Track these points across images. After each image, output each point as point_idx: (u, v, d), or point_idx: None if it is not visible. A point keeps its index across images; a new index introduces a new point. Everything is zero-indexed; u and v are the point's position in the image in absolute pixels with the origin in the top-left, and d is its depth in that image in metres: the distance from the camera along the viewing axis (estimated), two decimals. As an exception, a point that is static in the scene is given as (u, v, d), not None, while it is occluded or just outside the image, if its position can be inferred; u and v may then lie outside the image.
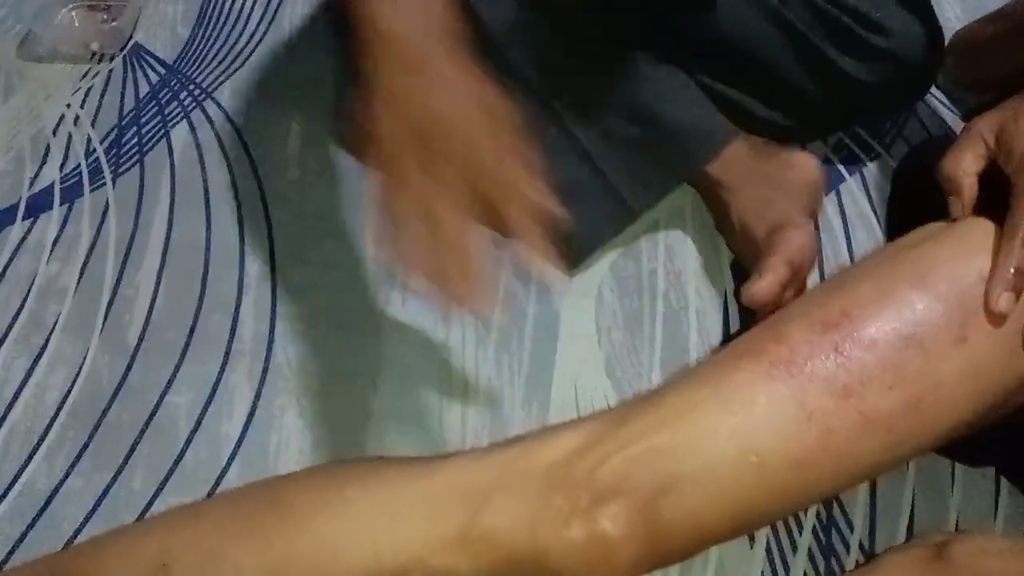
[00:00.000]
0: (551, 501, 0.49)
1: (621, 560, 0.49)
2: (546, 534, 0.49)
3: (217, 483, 0.68)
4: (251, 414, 0.72)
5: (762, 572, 0.63)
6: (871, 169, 0.85)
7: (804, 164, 0.76)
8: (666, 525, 0.49)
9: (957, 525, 0.64)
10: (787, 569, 0.63)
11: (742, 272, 0.76)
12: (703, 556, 0.63)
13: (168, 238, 0.83)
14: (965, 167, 0.54)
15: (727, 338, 0.75)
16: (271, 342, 0.76)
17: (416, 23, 0.54)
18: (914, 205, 0.64)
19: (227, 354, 0.75)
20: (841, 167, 0.85)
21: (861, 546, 0.64)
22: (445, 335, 0.76)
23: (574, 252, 0.77)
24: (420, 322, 0.77)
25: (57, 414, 0.72)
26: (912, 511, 0.65)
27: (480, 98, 0.54)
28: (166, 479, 0.68)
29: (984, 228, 0.52)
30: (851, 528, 0.65)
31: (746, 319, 0.75)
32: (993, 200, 0.53)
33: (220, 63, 0.99)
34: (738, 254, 0.77)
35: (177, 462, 0.69)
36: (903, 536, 0.64)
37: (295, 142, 0.89)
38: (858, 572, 0.57)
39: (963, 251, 0.52)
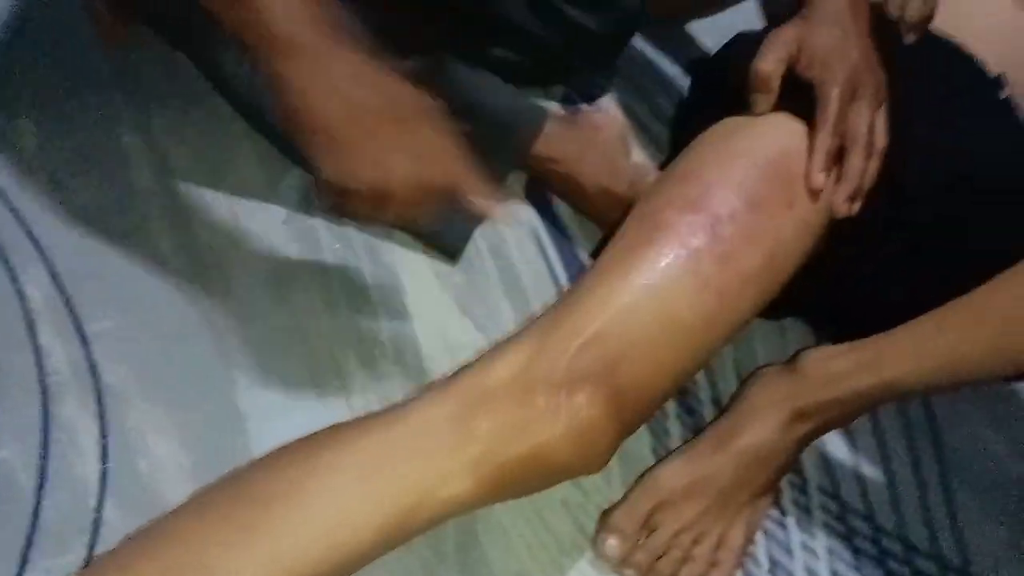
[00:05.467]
0: (533, 403, 0.52)
1: (605, 436, 0.54)
2: (538, 433, 0.52)
3: (95, 530, 0.58)
4: (104, 446, 0.61)
5: (651, 442, 0.72)
6: (606, 101, 0.97)
7: (604, 119, 0.85)
8: (628, 396, 0.55)
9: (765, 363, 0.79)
10: (667, 432, 0.73)
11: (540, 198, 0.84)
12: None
13: None
14: (772, 69, 0.66)
15: (545, 258, 0.82)
16: (92, 364, 0.65)
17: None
18: (705, 111, 0.76)
19: (43, 391, 0.63)
20: (581, 104, 0.96)
21: (711, 399, 0.76)
22: (290, 312, 0.72)
23: (450, 248, 0.78)
24: (257, 304, 0.72)
25: None
26: (733, 361, 0.79)
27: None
28: (28, 546, 0.56)
29: (786, 115, 0.64)
30: (699, 387, 0.76)
31: (556, 236, 0.83)
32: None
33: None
34: (598, 218, 0.82)
35: (33, 524, 0.57)
36: (735, 385, 0.77)
37: (30, 142, 0.76)
38: (731, 410, 0.68)
39: (777, 133, 0.64)
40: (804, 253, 0.63)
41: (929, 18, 0.78)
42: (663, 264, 0.57)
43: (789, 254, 0.62)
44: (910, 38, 0.78)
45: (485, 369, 0.55)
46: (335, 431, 0.53)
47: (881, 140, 0.64)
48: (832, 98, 0.62)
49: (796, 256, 0.63)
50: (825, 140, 0.62)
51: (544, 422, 0.53)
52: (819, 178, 0.62)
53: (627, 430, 0.57)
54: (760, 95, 0.65)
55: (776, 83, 0.65)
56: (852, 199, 0.62)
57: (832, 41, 0.64)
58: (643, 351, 0.56)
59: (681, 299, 0.57)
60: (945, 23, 0.79)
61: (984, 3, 0.89)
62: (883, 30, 0.69)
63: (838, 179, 0.63)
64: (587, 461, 0.55)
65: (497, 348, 0.57)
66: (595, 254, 0.78)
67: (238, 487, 0.50)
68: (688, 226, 0.59)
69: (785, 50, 0.64)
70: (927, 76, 0.76)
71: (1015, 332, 0.58)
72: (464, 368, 0.56)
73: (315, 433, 0.54)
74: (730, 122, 0.67)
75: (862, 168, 0.63)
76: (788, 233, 0.61)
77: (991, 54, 0.81)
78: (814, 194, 0.62)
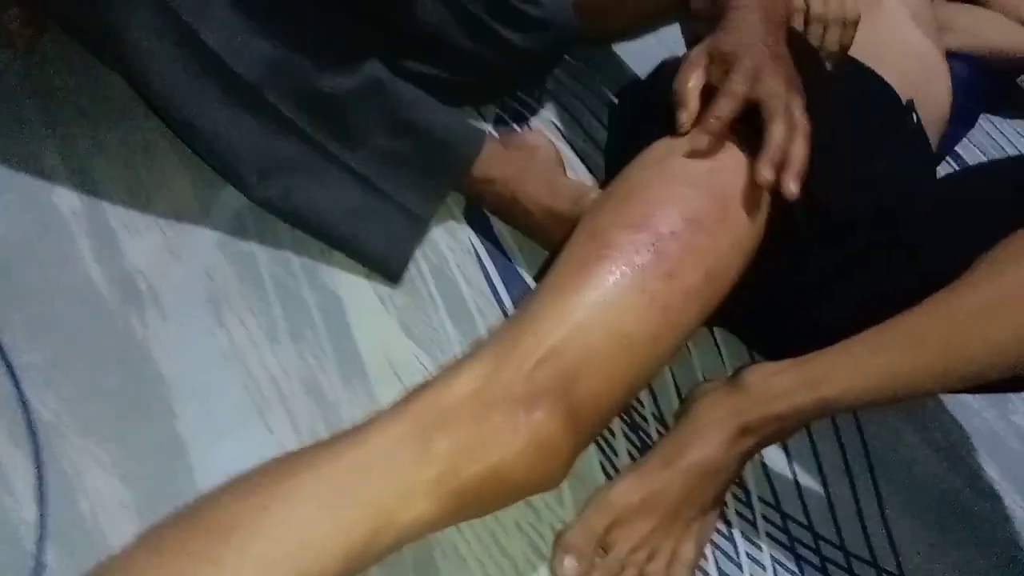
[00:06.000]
0: (491, 421, 0.53)
1: (564, 451, 0.55)
2: (497, 451, 0.52)
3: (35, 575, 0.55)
4: (40, 486, 0.58)
5: (599, 459, 0.73)
6: (535, 121, 0.99)
7: (538, 139, 0.86)
8: (583, 410, 0.56)
9: (704, 377, 0.81)
10: (614, 450, 0.74)
11: (479, 218, 0.85)
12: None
13: None
14: (690, 85, 0.68)
15: (487, 277, 0.82)
16: (22, 399, 0.61)
17: None
18: (639, 133, 0.78)
19: (-31, 429, 0.59)
20: (513, 124, 0.97)
21: (654, 415, 0.77)
22: (227, 341, 0.70)
23: (392, 269, 0.77)
24: (194, 330, 0.69)
25: None
26: (673, 377, 0.81)
27: None
28: (-43, 597, 0.52)
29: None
30: (643, 404, 0.78)
31: (497, 256, 0.83)
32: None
33: None
34: (541, 237, 0.83)
35: (-38, 572, 0.53)
36: (677, 401, 0.79)
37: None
38: (678, 427, 0.70)
39: (705, 152, 0.66)
40: (740, 268, 0.65)
41: (847, 46, 0.82)
42: (611, 281, 0.59)
43: (727, 269, 0.64)
44: (829, 64, 0.82)
45: (442, 388, 0.55)
46: (292, 458, 0.52)
47: (805, 123, 0.66)
48: (741, 64, 0.66)
49: (733, 271, 0.65)
50: (734, 97, 0.65)
51: (503, 439, 0.53)
52: (767, 173, 0.63)
53: (583, 443, 0.58)
54: (682, 111, 0.67)
55: (694, 99, 0.67)
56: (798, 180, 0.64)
57: (738, 45, 0.68)
58: (596, 366, 0.57)
59: (629, 315, 0.59)
60: (857, 50, 0.83)
61: (892, 30, 0.94)
62: (805, 59, 0.72)
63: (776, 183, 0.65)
64: (547, 476, 0.55)
65: (453, 367, 0.57)
66: (539, 275, 0.79)
67: (195, 519, 0.48)
68: (633, 244, 0.60)
69: (699, 65, 0.67)
70: (846, 101, 0.80)
71: (949, 353, 0.61)
72: (420, 388, 0.56)
73: (272, 460, 0.52)
74: (664, 143, 0.69)
75: (802, 152, 0.65)
76: (725, 248, 0.63)
77: (899, 79, 0.86)
78: (750, 203, 0.64)
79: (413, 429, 0.52)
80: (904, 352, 0.61)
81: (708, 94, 0.68)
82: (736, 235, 0.64)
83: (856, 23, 0.82)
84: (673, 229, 0.61)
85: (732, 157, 0.66)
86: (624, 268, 0.59)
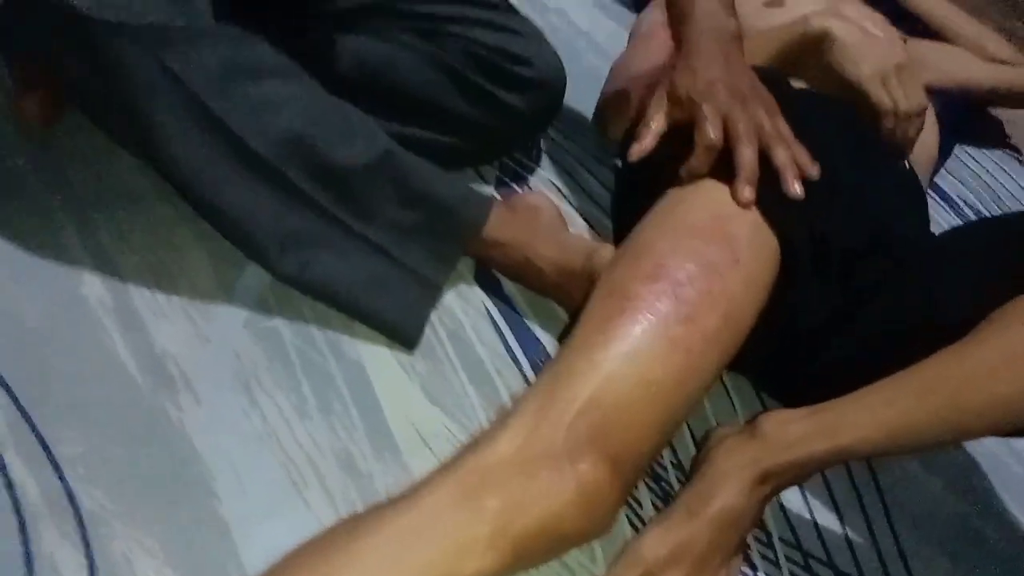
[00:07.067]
0: (538, 475, 0.56)
1: (611, 496, 0.58)
2: (547, 503, 0.55)
3: (94, 666, 0.56)
4: (91, 572, 0.60)
5: (625, 513, 0.75)
6: (534, 181, 1.02)
7: (540, 200, 0.90)
8: (624, 456, 0.59)
9: (717, 423, 0.84)
10: (639, 502, 0.76)
11: (490, 281, 0.88)
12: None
13: None
14: (653, 128, 0.75)
15: (502, 338, 0.85)
16: (68, 491, 0.63)
17: None
18: (640, 185, 0.82)
19: (22, 527, 0.60)
20: (513, 185, 1.01)
21: (673, 464, 0.80)
22: (261, 420, 0.72)
23: (408, 336, 0.80)
24: (227, 411, 0.72)
25: None
26: (688, 426, 0.83)
27: None
28: None
29: (713, 183, 0.71)
30: (662, 455, 0.80)
31: (509, 315, 0.86)
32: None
33: None
34: (555, 294, 0.86)
35: (25, 666, 0.55)
36: (693, 447, 0.82)
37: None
38: (699, 476, 0.72)
39: (708, 201, 0.70)
40: (756, 308, 0.69)
41: (915, 139, 0.88)
42: (637, 331, 0.62)
43: (743, 308, 0.67)
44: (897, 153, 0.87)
45: (485, 449, 0.57)
46: (351, 524, 0.54)
47: (788, 132, 0.72)
48: (703, 113, 0.71)
49: (749, 311, 0.68)
50: (742, 166, 0.70)
51: (552, 491, 0.55)
52: (746, 192, 0.69)
53: (628, 488, 0.61)
54: (635, 144, 0.74)
55: (648, 137, 0.74)
56: (798, 180, 0.69)
57: (689, 76, 0.74)
58: (630, 414, 0.60)
59: (655, 362, 0.62)
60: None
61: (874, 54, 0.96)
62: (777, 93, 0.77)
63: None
64: (596, 523, 0.58)
65: (493, 428, 0.59)
66: (562, 337, 0.82)
67: None
68: (653, 293, 0.64)
69: (659, 110, 0.74)
70: (834, 135, 0.83)
71: (959, 406, 0.64)
72: (463, 450, 0.58)
73: (330, 529, 0.55)
74: (669, 197, 0.73)
75: (787, 156, 0.71)
76: (739, 289, 0.67)
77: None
78: (757, 241, 0.69)
79: (462, 489, 0.55)
80: (916, 405, 0.64)
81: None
82: (748, 275, 0.68)
83: (924, 115, 0.88)
84: (689, 276, 0.65)
85: (730, 203, 0.70)
86: (648, 316, 0.63)
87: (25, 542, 0.60)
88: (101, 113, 0.78)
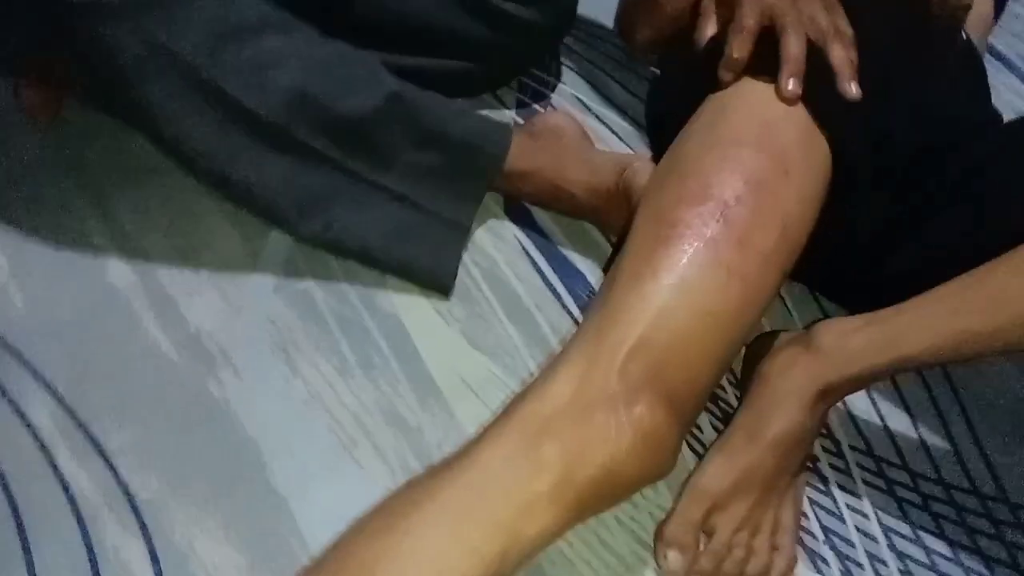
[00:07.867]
0: (594, 422, 0.53)
1: (670, 437, 0.55)
2: (606, 449, 0.53)
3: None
4: (155, 561, 0.61)
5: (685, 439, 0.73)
6: (556, 99, 0.97)
7: (561, 119, 0.85)
8: (681, 395, 0.56)
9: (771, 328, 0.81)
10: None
11: (520, 213, 0.84)
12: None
13: None
14: (708, 31, 0.69)
15: (539, 272, 0.82)
16: (122, 484, 0.64)
17: None
18: (679, 95, 0.77)
19: (79, 520, 0.61)
20: (536, 105, 0.96)
21: (730, 381, 0.77)
22: (303, 385, 0.71)
23: (442, 282, 0.78)
24: (268, 380, 0.71)
25: None
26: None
27: None
28: None
29: (756, 87, 0.65)
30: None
31: (544, 246, 0.83)
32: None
33: None
34: (591, 216, 0.82)
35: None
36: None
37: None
38: (755, 394, 0.69)
39: (753, 108, 0.65)
40: (811, 220, 0.64)
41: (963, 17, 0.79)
42: (685, 260, 0.58)
43: (798, 224, 0.62)
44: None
45: (538, 398, 0.55)
46: (411, 489, 0.53)
47: (847, 29, 0.65)
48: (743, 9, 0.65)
49: (805, 225, 0.63)
50: (788, 59, 0.64)
51: (609, 437, 0.53)
52: (790, 85, 0.63)
53: (687, 427, 0.59)
54: (722, 69, 0.66)
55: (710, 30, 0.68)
56: (854, 80, 0.63)
57: None
58: (685, 350, 0.57)
59: (710, 291, 0.58)
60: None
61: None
62: None
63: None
64: (657, 466, 0.55)
65: (544, 375, 0.57)
66: (607, 267, 0.78)
67: (337, 562, 0.50)
68: (700, 217, 0.59)
69: (708, 14, 0.68)
70: (897, 26, 0.76)
71: None
72: (516, 401, 0.56)
73: (391, 495, 0.53)
74: (709, 106, 0.67)
75: (844, 54, 0.64)
76: (792, 203, 0.62)
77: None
78: (809, 149, 0.63)
79: (520, 441, 0.53)
80: (986, 315, 0.60)
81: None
82: (801, 187, 0.63)
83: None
84: (737, 194, 0.60)
85: (781, 108, 0.64)
86: (697, 243, 0.58)
87: (87, 539, 0.61)
88: (102, 101, 0.75)
